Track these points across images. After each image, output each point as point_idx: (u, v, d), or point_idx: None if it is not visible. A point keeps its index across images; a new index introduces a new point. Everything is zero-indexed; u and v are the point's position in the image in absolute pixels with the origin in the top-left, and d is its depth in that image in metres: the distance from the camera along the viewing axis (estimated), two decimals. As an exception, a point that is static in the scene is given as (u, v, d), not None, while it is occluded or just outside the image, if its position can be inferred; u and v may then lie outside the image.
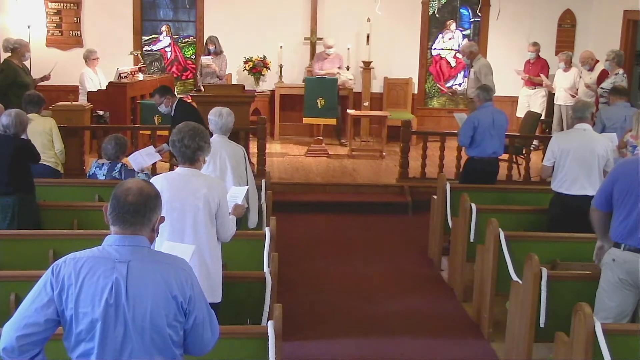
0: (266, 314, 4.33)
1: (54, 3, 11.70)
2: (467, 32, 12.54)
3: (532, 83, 11.06)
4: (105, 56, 10.69)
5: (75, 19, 11.76)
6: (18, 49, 9.14)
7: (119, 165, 6.29)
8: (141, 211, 2.63)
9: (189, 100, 8.50)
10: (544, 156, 6.04)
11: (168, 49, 12.29)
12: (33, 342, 2.58)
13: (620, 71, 8.74)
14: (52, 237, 5.08)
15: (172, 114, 7.04)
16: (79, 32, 11.79)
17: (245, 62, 11.80)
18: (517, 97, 11.45)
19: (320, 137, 10.72)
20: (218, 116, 5.35)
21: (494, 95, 9.14)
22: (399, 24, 12.06)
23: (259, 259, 4.91)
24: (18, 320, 2.57)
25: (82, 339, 2.57)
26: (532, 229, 5.88)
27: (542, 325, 4.57)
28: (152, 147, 7.18)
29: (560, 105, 10.68)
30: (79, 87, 10.27)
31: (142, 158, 6.51)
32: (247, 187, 5.06)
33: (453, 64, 12.61)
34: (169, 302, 2.57)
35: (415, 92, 12.37)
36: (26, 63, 9.51)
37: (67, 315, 2.57)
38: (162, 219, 2.76)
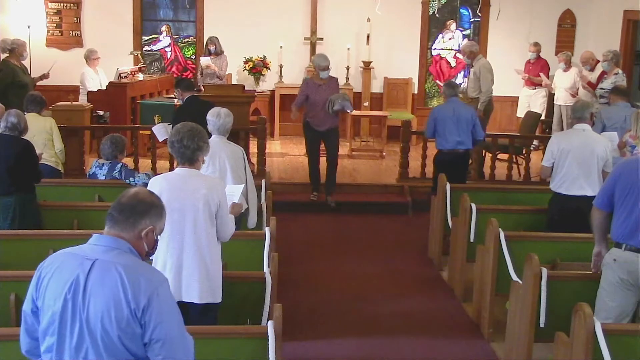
0: (266, 314, 4.33)
1: (54, 3, 11.69)
2: (467, 32, 12.53)
3: (532, 83, 11.06)
4: (105, 56, 10.68)
5: (75, 19, 11.76)
6: (16, 49, 9.14)
7: (119, 165, 6.28)
8: (126, 212, 2.60)
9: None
10: (544, 156, 6.04)
11: (168, 49, 12.30)
12: (35, 338, 2.63)
13: (619, 71, 8.74)
14: (52, 237, 5.08)
15: None
16: (79, 32, 11.79)
17: (245, 62, 11.80)
18: (518, 97, 11.46)
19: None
20: (216, 117, 5.35)
21: (493, 95, 9.25)
22: (399, 24, 12.06)
23: (259, 259, 4.90)
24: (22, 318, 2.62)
25: (46, 333, 2.57)
26: (532, 229, 5.88)
27: (542, 325, 4.57)
28: None
29: (560, 105, 10.68)
30: (80, 86, 10.28)
31: (166, 129, 6.64)
32: (242, 185, 5.06)
33: (453, 64, 12.61)
34: (120, 306, 2.47)
35: (415, 92, 12.37)
36: (25, 63, 9.51)
37: (39, 306, 2.59)
38: (159, 231, 2.69)
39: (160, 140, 7.63)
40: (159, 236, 2.73)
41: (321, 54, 8.63)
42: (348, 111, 8.58)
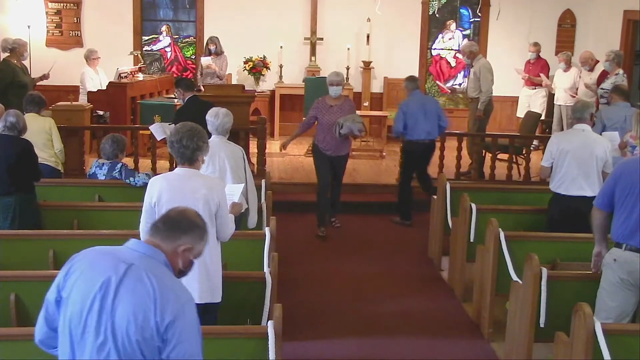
0: (266, 314, 4.33)
1: (54, 3, 11.70)
2: (467, 32, 12.54)
3: (533, 83, 11.05)
4: (105, 56, 10.68)
5: (75, 19, 11.77)
6: (16, 49, 9.14)
7: (119, 165, 6.29)
8: (170, 225, 2.65)
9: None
10: (543, 156, 6.04)
11: (168, 49, 12.30)
12: (53, 328, 2.65)
13: (620, 71, 8.73)
14: (52, 237, 5.08)
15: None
16: (79, 32, 11.79)
17: (245, 62, 11.80)
18: (517, 97, 11.46)
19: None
20: (215, 117, 5.35)
21: (492, 95, 9.25)
22: (399, 24, 12.06)
23: (259, 259, 4.90)
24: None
25: (67, 327, 2.56)
26: (532, 229, 5.87)
27: (542, 325, 4.57)
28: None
29: (560, 105, 10.68)
30: (80, 86, 10.28)
31: (163, 128, 6.65)
32: (242, 184, 5.06)
33: (453, 64, 12.62)
34: (147, 316, 2.48)
35: (415, 92, 12.36)
36: (25, 63, 9.51)
37: (63, 296, 2.60)
38: (196, 253, 2.73)
39: (158, 139, 7.65)
40: (194, 259, 2.75)
41: (336, 71, 7.81)
42: (357, 134, 7.53)
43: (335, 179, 7.81)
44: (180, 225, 2.66)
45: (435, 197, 7.10)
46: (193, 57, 12.24)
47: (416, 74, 12.23)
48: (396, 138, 8.63)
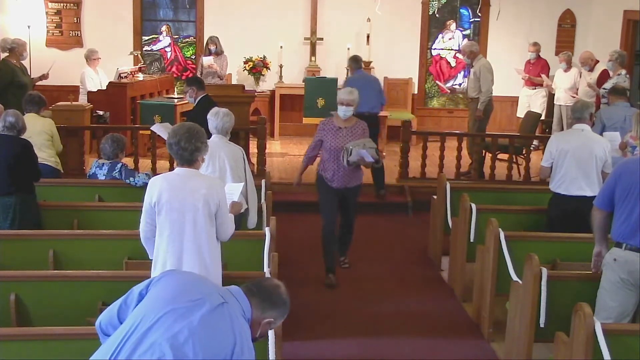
0: (266, 314, 4.32)
1: (54, 3, 11.70)
2: (467, 32, 12.54)
3: (533, 83, 11.06)
4: (105, 56, 10.68)
5: (75, 19, 11.76)
6: (16, 49, 9.13)
7: (119, 165, 6.28)
8: (265, 295, 2.81)
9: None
10: (543, 156, 6.04)
11: (168, 49, 12.30)
12: (122, 318, 2.77)
13: (623, 72, 8.71)
14: (52, 237, 5.08)
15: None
16: (79, 32, 11.79)
17: (245, 62, 11.80)
18: (517, 97, 11.46)
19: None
20: (216, 117, 5.36)
21: (492, 95, 9.26)
22: (399, 24, 12.06)
23: (259, 259, 4.90)
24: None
25: (137, 321, 2.61)
26: (532, 229, 5.88)
27: (542, 325, 4.57)
28: None
29: (560, 105, 10.68)
30: (80, 86, 10.28)
31: (165, 128, 6.62)
32: (242, 183, 5.05)
33: (453, 64, 12.62)
34: (220, 354, 2.57)
35: (415, 92, 12.38)
36: (25, 63, 9.50)
37: (148, 291, 2.71)
38: (273, 326, 2.88)
39: (165, 137, 7.55)
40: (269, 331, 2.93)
41: (349, 88, 6.43)
42: (370, 162, 6.16)
43: (345, 216, 6.54)
44: (272, 299, 2.79)
45: (435, 197, 7.09)
46: (193, 57, 12.23)
47: (416, 74, 12.35)
48: None
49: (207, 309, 2.60)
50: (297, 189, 7.05)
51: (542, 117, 10.91)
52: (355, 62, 8.94)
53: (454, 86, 12.65)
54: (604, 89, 8.73)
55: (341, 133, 6.21)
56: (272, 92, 11.89)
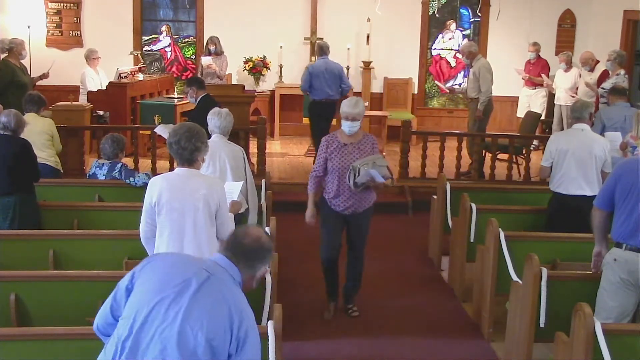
0: (266, 314, 4.32)
1: (54, 3, 11.70)
2: (467, 32, 12.54)
3: (533, 83, 11.06)
4: (105, 56, 10.68)
5: (75, 19, 11.76)
6: (14, 48, 9.12)
7: (119, 165, 6.28)
8: (248, 256, 2.80)
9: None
10: (543, 156, 6.04)
11: (168, 49, 12.30)
12: (116, 317, 2.75)
13: (622, 71, 8.71)
14: (52, 237, 5.08)
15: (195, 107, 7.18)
16: (79, 32, 11.79)
17: (245, 62, 11.80)
18: (517, 97, 11.47)
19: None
20: (216, 117, 5.35)
21: (492, 95, 9.26)
22: (399, 24, 12.06)
23: (259, 259, 4.89)
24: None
25: (132, 315, 2.62)
26: (532, 229, 5.88)
27: (542, 325, 4.57)
28: None
29: (560, 105, 10.68)
30: (80, 86, 10.28)
31: (167, 130, 6.61)
32: (241, 182, 5.05)
33: (453, 64, 12.62)
34: (220, 328, 2.59)
35: (415, 92, 12.38)
36: (25, 62, 9.50)
37: (134, 284, 2.70)
38: (264, 272, 2.90)
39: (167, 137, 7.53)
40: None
41: (353, 98, 5.48)
42: (379, 182, 5.27)
43: (353, 247, 5.69)
44: (258, 255, 2.83)
45: (435, 197, 7.09)
46: (193, 57, 12.23)
47: (416, 74, 12.34)
48: (303, 93, 9.70)
49: (194, 288, 2.62)
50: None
51: (542, 117, 10.92)
52: (320, 49, 9.44)
53: (453, 86, 12.64)
54: (602, 88, 8.73)
55: (346, 150, 5.35)
56: (272, 92, 11.89)
